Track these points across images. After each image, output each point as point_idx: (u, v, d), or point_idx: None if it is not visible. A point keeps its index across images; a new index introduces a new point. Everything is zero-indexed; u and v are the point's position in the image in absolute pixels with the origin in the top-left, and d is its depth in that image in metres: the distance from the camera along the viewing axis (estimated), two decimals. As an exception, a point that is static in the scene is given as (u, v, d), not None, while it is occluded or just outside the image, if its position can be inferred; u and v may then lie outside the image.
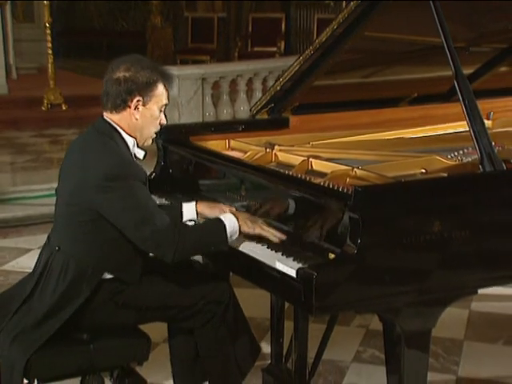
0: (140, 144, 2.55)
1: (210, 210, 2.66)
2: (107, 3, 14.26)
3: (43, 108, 8.64)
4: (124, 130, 2.50)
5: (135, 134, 2.51)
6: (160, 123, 2.54)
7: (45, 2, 8.61)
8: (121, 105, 2.46)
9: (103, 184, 2.36)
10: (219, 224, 2.45)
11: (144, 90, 2.45)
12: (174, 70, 7.08)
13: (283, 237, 2.45)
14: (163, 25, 12.76)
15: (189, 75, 7.05)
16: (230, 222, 2.45)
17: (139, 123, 2.49)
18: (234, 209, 2.63)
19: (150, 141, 2.58)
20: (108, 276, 2.50)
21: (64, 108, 8.63)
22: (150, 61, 2.55)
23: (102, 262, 2.49)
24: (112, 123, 2.49)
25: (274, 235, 2.45)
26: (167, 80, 2.53)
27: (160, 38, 12.58)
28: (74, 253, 2.47)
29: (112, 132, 2.48)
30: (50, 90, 8.64)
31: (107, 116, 2.51)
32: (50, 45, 8.70)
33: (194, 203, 2.70)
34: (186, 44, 12.17)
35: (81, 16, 14.51)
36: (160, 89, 2.49)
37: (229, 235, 2.44)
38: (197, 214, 2.68)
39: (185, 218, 2.68)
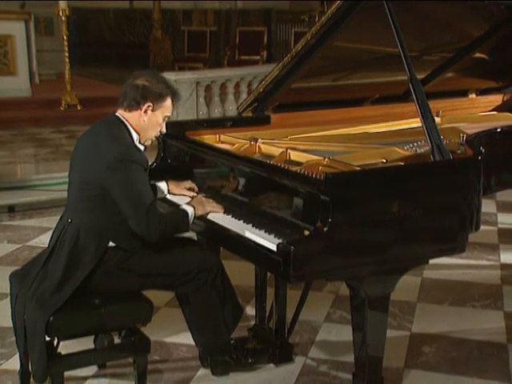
0: (142, 141, 2.57)
1: (175, 188, 2.83)
2: (116, 19, 14.13)
3: (61, 108, 8.57)
4: (132, 127, 2.52)
5: (140, 132, 2.54)
6: (160, 131, 2.59)
7: (63, 18, 8.51)
8: (134, 106, 2.50)
9: (112, 165, 2.38)
10: (184, 212, 2.55)
11: (156, 99, 2.50)
12: (173, 75, 7.03)
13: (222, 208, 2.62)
14: (163, 37, 12.63)
15: (185, 80, 7.00)
16: (189, 210, 2.56)
17: (145, 124, 2.52)
18: (193, 185, 2.83)
19: (150, 142, 2.61)
20: (113, 244, 2.50)
21: (79, 108, 8.56)
22: (165, 78, 2.60)
23: (108, 232, 2.48)
24: (122, 119, 2.53)
25: (220, 209, 2.61)
26: (175, 97, 2.59)
27: (161, 48, 12.46)
28: (83, 224, 2.47)
29: (121, 125, 2.52)
30: (67, 92, 8.58)
31: (120, 113, 2.54)
32: (67, 54, 8.63)
33: (165, 182, 2.83)
34: (182, 53, 12.06)
35: (94, 30, 14.37)
36: (168, 102, 2.54)
37: (190, 220, 2.55)
38: (168, 190, 2.83)
39: (159, 194, 2.82)
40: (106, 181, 2.40)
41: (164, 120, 2.56)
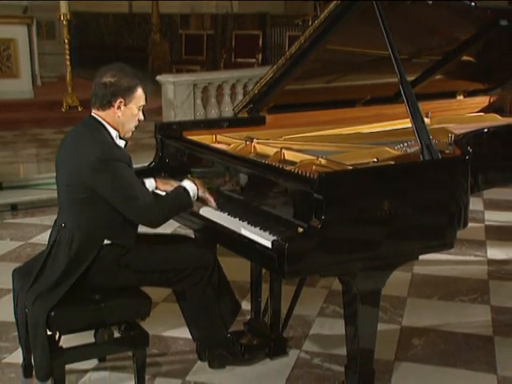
0: (122, 136, 2.53)
1: (163, 185, 2.74)
2: (115, 23, 14.11)
3: (62, 109, 8.55)
4: (109, 124, 2.48)
5: (118, 128, 2.50)
6: (138, 119, 2.53)
7: (64, 22, 8.49)
8: (106, 104, 2.45)
9: (95, 166, 2.34)
10: (183, 190, 2.53)
11: (126, 93, 2.45)
12: (171, 78, 7.03)
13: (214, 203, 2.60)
14: (162, 40, 12.63)
15: (183, 82, 6.99)
16: (190, 186, 2.54)
17: (121, 119, 2.48)
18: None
19: (130, 134, 2.56)
20: (108, 242, 2.48)
21: (80, 109, 8.52)
22: (132, 68, 2.52)
23: (101, 231, 2.46)
24: (99, 119, 2.48)
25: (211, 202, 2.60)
26: (145, 84, 2.52)
27: (159, 51, 12.46)
28: (77, 226, 2.45)
29: (98, 126, 2.47)
30: (68, 94, 8.56)
31: (95, 113, 2.50)
32: (68, 57, 8.60)
33: (152, 179, 2.78)
34: (180, 56, 12.04)
35: (94, 33, 14.35)
36: (139, 92, 2.48)
37: (192, 196, 2.53)
38: (156, 187, 2.77)
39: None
40: (93, 182, 2.36)
41: (139, 109, 2.50)
